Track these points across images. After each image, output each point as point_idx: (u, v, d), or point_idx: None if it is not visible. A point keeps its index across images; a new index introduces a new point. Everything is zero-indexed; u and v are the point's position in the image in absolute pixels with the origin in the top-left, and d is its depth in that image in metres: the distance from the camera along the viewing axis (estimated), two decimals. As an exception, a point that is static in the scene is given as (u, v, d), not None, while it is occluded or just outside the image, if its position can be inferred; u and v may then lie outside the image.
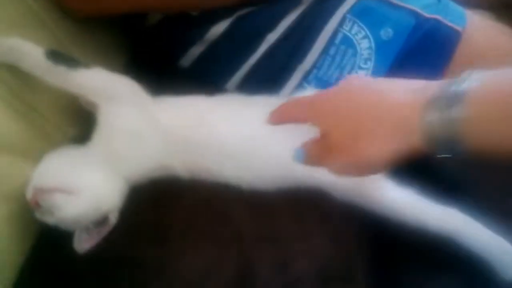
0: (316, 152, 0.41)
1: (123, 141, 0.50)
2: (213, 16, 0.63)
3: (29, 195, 0.45)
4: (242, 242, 0.49)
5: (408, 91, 0.37)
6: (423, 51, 0.62)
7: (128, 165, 0.50)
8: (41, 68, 0.48)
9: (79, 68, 0.48)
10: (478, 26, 0.66)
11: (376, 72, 0.62)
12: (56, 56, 0.48)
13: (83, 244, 0.47)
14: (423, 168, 0.49)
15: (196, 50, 0.66)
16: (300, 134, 0.46)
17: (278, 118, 0.45)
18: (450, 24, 0.63)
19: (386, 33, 0.62)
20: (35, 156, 0.49)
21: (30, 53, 0.47)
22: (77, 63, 0.49)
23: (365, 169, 0.39)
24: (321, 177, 0.48)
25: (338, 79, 0.62)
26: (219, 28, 0.63)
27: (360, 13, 0.63)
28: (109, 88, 0.50)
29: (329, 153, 0.39)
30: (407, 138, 0.36)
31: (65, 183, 0.46)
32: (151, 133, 0.51)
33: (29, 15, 0.54)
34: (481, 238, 0.47)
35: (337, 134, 0.39)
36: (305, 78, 0.63)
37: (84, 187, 0.47)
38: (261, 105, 0.55)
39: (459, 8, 0.66)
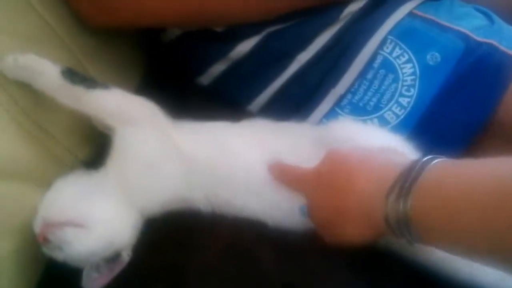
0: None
1: (139, 168, 0.51)
2: (240, 33, 0.64)
3: (37, 229, 0.46)
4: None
5: (374, 179, 0.44)
6: (475, 79, 0.62)
7: (144, 196, 0.51)
8: (56, 88, 0.49)
9: (96, 88, 0.50)
10: None
11: (419, 101, 0.62)
12: (73, 75, 0.49)
13: (92, 283, 0.47)
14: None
15: (217, 68, 0.67)
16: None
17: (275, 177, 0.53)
18: (505, 50, 0.63)
19: (433, 57, 0.63)
20: (44, 182, 0.50)
21: (46, 71, 0.49)
22: (95, 83, 0.51)
23: (343, 245, 0.48)
24: None
25: (376, 106, 0.63)
26: (246, 45, 0.65)
27: (404, 34, 0.64)
28: (127, 111, 0.51)
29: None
30: (373, 225, 0.44)
31: (76, 216, 0.47)
32: (170, 161, 0.51)
33: (46, 30, 0.57)
34: None
35: (318, 213, 0.49)
36: (338, 104, 0.64)
37: (96, 221, 0.47)
38: (290, 134, 0.57)
39: None
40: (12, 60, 0.49)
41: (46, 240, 0.45)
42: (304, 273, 0.51)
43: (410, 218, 0.40)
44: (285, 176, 0.52)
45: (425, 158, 0.42)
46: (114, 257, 0.49)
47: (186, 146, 0.53)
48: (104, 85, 0.51)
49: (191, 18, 0.62)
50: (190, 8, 0.60)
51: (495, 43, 0.63)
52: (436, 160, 0.42)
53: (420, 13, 0.65)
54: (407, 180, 0.41)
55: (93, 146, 0.58)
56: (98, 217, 0.48)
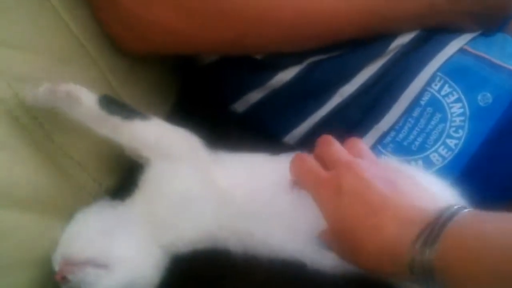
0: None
1: (171, 206, 0.48)
2: (280, 61, 0.62)
3: (56, 266, 0.43)
4: None
5: (402, 222, 0.42)
6: None
7: (171, 234, 0.48)
8: (92, 118, 0.47)
9: (135, 119, 0.47)
10: None
11: (468, 144, 0.59)
12: (110, 104, 0.47)
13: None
14: None
15: (254, 96, 0.65)
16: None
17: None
18: None
19: (484, 98, 0.59)
20: (65, 212, 0.48)
21: (83, 100, 0.46)
22: (133, 112, 0.48)
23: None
24: None
25: (421, 146, 0.59)
26: (286, 75, 0.62)
27: (454, 72, 0.61)
28: (166, 145, 0.49)
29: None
30: (395, 266, 0.41)
31: (98, 255, 0.44)
32: (205, 200, 0.49)
33: (78, 50, 0.56)
34: None
35: (338, 221, 0.45)
36: (381, 141, 0.61)
37: (119, 260, 0.45)
38: None
39: None
40: (47, 91, 0.46)
41: (65, 279, 0.42)
42: None
43: (434, 267, 0.39)
44: (304, 168, 0.48)
45: (456, 207, 0.41)
46: (136, 298, 0.45)
47: (223, 183, 0.50)
48: (143, 115, 0.49)
49: (228, 47, 0.60)
50: (227, 38, 0.57)
51: None
52: (465, 210, 0.41)
53: (471, 50, 0.62)
54: (434, 228, 0.40)
55: (119, 175, 0.55)
56: (121, 256, 0.45)
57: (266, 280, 0.47)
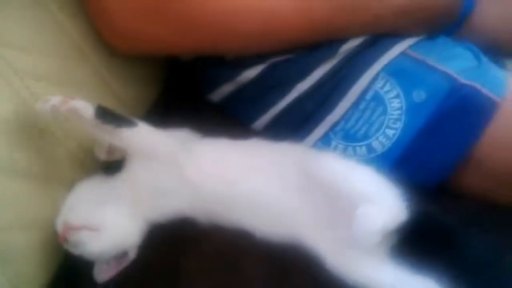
0: None
1: (149, 193, 0.59)
2: (246, 61, 0.71)
3: (59, 228, 0.55)
4: None
5: None
6: (455, 118, 0.66)
7: (151, 211, 0.60)
8: (89, 124, 0.57)
9: (123, 127, 0.57)
10: None
11: (404, 134, 0.67)
12: (104, 114, 0.56)
13: (102, 274, 0.57)
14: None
15: (226, 88, 0.75)
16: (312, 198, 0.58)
17: None
18: (487, 93, 0.66)
19: (419, 95, 0.67)
20: (67, 183, 0.60)
21: (83, 111, 0.56)
22: (123, 121, 0.58)
23: None
24: (318, 244, 0.56)
25: (365, 134, 0.69)
26: (251, 73, 0.71)
27: (395, 72, 0.69)
28: (149, 148, 0.60)
29: None
30: None
31: (91, 221, 0.56)
32: (179, 189, 0.59)
33: (78, 52, 0.66)
34: None
35: None
36: (332, 129, 0.70)
37: (109, 226, 0.56)
38: (279, 154, 0.63)
39: (500, 74, 0.70)
40: (51, 107, 0.55)
41: (65, 240, 0.54)
42: (287, 285, 0.57)
43: None
44: None
45: None
46: (122, 255, 0.58)
47: (194, 177, 0.60)
48: (132, 122, 0.58)
49: (203, 51, 0.70)
50: (203, 45, 0.68)
51: (478, 86, 0.66)
52: None
53: (412, 53, 0.70)
54: None
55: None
56: (110, 223, 0.57)
57: (224, 243, 0.58)
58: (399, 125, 0.68)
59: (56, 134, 0.62)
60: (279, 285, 0.57)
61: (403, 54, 0.70)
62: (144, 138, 0.59)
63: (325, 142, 0.71)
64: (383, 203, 0.54)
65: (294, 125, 0.72)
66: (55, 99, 0.55)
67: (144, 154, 0.59)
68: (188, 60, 0.76)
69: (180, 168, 0.60)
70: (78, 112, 0.55)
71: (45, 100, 0.55)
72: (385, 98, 0.69)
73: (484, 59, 0.72)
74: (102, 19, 0.67)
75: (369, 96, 0.69)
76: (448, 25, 0.77)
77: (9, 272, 0.53)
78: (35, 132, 0.59)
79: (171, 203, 0.59)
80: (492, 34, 0.89)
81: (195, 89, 0.78)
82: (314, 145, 0.71)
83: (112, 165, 0.63)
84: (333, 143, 0.70)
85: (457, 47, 0.74)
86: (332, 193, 0.58)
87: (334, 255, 0.56)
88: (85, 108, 0.56)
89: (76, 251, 0.55)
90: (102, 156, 0.62)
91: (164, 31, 0.66)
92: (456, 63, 0.70)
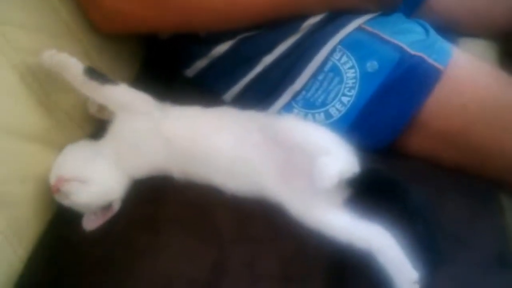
0: None
1: (130, 147, 0.67)
2: (217, 37, 0.79)
3: (52, 181, 0.63)
4: (220, 240, 0.63)
5: None
6: (403, 86, 0.74)
7: (132, 166, 0.68)
8: (79, 81, 0.65)
9: (108, 84, 0.66)
10: (462, 66, 0.76)
11: (357, 101, 0.75)
12: (92, 72, 0.65)
13: (90, 223, 0.64)
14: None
15: (200, 64, 0.83)
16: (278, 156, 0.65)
17: None
18: (432, 62, 0.74)
19: (372, 65, 0.75)
20: (58, 147, 0.68)
21: (73, 67, 0.65)
22: (107, 79, 0.66)
23: None
24: (281, 196, 0.64)
25: (323, 102, 0.77)
26: (222, 47, 0.79)
27: (350, 45, 0.77)
28: (129, 103, 0.68)
29: None
30: None
31: (81, 173, 0.64)
32: (155, 144, 0.67)
33: (64, 28, 0.74)
34: (391, 257, 0.58)
35: None
36: (294, 98, 0.78)
37: (95, 179, 0.64)
38: (245, 120, 0.71)
39: (446, 46, 0.78)
40: (49, 56, 0.65)
41: (57, 190, 0.62)
42: (250, 231, 0.65)
43: None
44: None
45: None
46: (108, 206, 0.65)
47: (168, 133, 0.68)
48: (114, 82, 0.67)
49: (178, 29, 0.79)
50: (178, 24, 0.76)
51: (424, 56, 0.74)
52: None
53: (367, 28, 0.78)
54: None
55: (97, 123, 0.75)
56: (97, 176, 0.65)
57: (195, 195, 0.66)
58: (353, 93, 0.75)
59: (51, 101, 0.70)
60: (244, 230, 0.65)
61: (358, 28, 0.78)
62: (125, 95, 0.68)
63: (287, 110, 0.78)
64: (339, 155, 0.62)
65: (260, 95, 0.80)
66: (53, 51, 0.64)
67: (125, 109, 0.67)
68: (166, 38, 0.84)
69: (156, 124, 0.67)
70: (69, 65, 0.64)
71: (44, 52, 0.64)
72: (341, 69, 0.77)
73: (432, 32, 0.80)
74: (89, 1, 0.75)
75: (327, 67, 0.77)
76: (405, 5, 0.85)
77: (8, 218, 0.61)
78: (33, 99, 0.68)
79: (149, 158, 0.67)
80: (448, 14, 0.98)
81: (171, 66, 0.86)
82: (278, 113, 0.79)
83: (96, 133, 0.72)
84: (295, 110, 0.78)
85: (409, 23, 0.83)
86: (292, 149, 0.65)
87: (296, 204, 0.63)
88: (76, 64, 0.65)
89: (66, 202, 0.63)
90: (93, 111, 0.70)
91: (144, 11, 0.74)
92: (407, 36, 0.77)
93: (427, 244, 0.61)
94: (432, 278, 0.58)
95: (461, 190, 0.72)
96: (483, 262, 0.65)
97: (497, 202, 0.74)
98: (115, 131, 0.68)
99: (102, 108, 0.71)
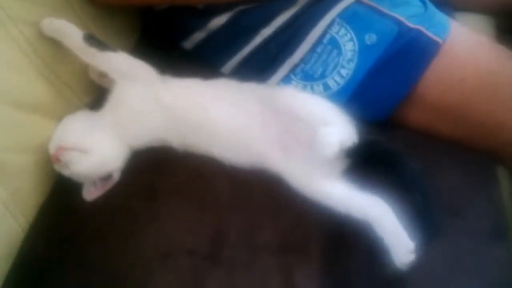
0: None
1: (129, 115, 0.68)
2: (215, 9, 0.79)
3: (51, 150, 0.64)
4: (220, 209, 0.64)
5: None
6: (402, 59, 0.74)
7: (132, 135, 0.68)
8: (78, 47, 0.66)
9: (107, 51, 0.67)
10: (461, 40, 0.78)
11: (356, 73, 0.75)
12: (91, 39, 0.66)
13: (90, 194, 0.65)
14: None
15: (198, 36, 0.83)
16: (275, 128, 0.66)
17: None
18: (431, 35, 0.75)
19: (370, 38, 0.76)
20: (58, 117, 0.69)
21: (72, 34, 0.66)
22: (107, 47, 0.67)
23: None
24: (280, 166, 0.65)
25: (322, 74, 0.78)
26: (220, 20, 0.79)
27: (349, 17, 0.77)
28: (128, 70, 0.68)
29: None
30: None
31: (81, 143, 0.64)
32: (155, 112, 0.68)
33: (66, 4, 0.75)
34: (387, 227, 0.59)
35: None
36: (293, 71, 0.78)
37: (95, 149, 0.65)
38: (245, 92, 0.71)
39: (444, 20, 0.79)
40: (49, 22, 0.66)
41: (57, 159, 0.63)
42: (250, 201, 0.66)
43: None
44: None
45: None
46: (107, 177, 0.66)
47: (167, 100, 0.68)
48: (113, 49, 0.68)
49: (173, 2, 0.79)
50: None
51: (423, 29, 0.75)
52: None
53: (365, 1, 0.78)
54: None
55: (96, 94, 0.75)
56: (97, 146, 0.65)
57: (196, 165, 0.67)
58: (352, 65, 0.76)
59: (51, 71, 0.70)
60: (244, 200, 0.66)
61: (357, 1, 0.78)
62: (125, 61, 0.68)
63: (286, 82, 0.79)
64: (339, 125, 0.63)
65: (258, 68, 0.80)
66: (51, 18, 0.66)
67: (124, 76, 0.68)
68: (162, 10, 0.84)
69: (155, 91, 0.68)
70: (68, 32, 0.65)
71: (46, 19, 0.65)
72: (340, 41, 0.77)
73: (430, 5, 0.81)
74: None
75: (326, 40, 0.78)
76: None
77: (9, 188, 0.62)
78: (33, 70, 0.68)
79: (148, 126, 0.68)
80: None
81: (169, 38, 0.86)
82: (277, 85, 0.79)
83: (95, 104, 0.72)
84: (294, 83, 0.79)
85: (406, -4, 0.83)
86: (291, 120, 0.66)
87: (294, 174, 0.64)
88: (76, 31, 0.66)
89: (66, 172, 0.64)
90: (94, 77, 0.71)
91: None
92: (405, 10, 0.78)
93: (423, 215, 0.63)
94: (427, 248, 0.59)
95: (457, 162, 0.73)
96: (477, 233, 0.66)
97: (493, 175, 0.76)
98: (115, 99, 0.68)
99: (102, 74, 0.71)
